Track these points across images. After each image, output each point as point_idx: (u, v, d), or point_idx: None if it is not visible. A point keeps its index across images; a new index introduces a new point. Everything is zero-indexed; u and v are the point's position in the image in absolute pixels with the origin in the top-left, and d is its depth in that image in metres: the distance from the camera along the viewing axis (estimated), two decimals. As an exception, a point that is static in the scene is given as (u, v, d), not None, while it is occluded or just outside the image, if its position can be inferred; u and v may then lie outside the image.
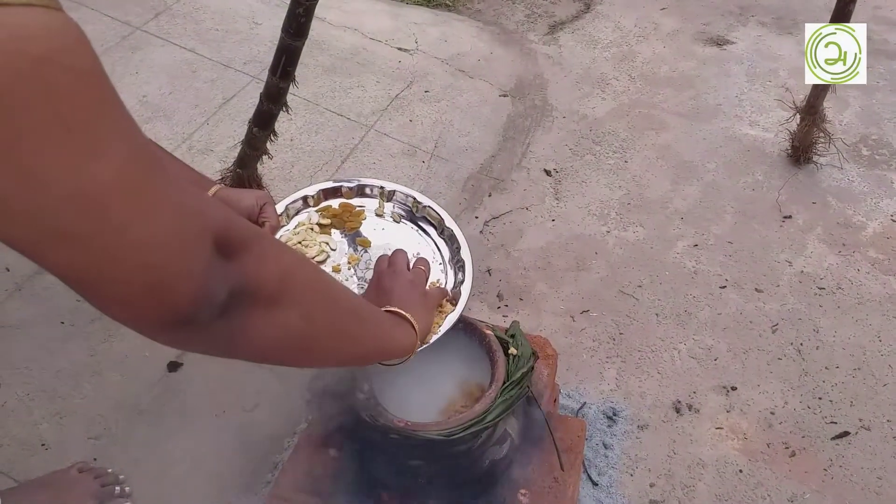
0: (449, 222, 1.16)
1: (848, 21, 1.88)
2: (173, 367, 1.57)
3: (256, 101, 1.64)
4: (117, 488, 1.35)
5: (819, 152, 2.13)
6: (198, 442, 1.46)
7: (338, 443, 1.19)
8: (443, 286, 1.07)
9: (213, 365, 1.58)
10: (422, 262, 1.04)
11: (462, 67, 2.49)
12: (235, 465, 1.43)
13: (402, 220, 1.19)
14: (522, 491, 1.15)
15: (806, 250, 1.92)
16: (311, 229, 1.13)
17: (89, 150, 0.45)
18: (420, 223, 1.18)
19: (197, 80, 2.27)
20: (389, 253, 1.10)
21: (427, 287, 1.01)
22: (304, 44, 1.46)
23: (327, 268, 1.11)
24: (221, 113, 2.18)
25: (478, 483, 1.12)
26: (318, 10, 1.48)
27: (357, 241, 1.14)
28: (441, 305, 1.03)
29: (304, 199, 1.18)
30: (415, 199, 1.19)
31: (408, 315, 0.89)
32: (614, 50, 2.64)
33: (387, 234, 1.16)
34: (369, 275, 1.10)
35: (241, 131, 1.77)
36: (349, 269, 1.11)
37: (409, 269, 1.00)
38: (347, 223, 1.16)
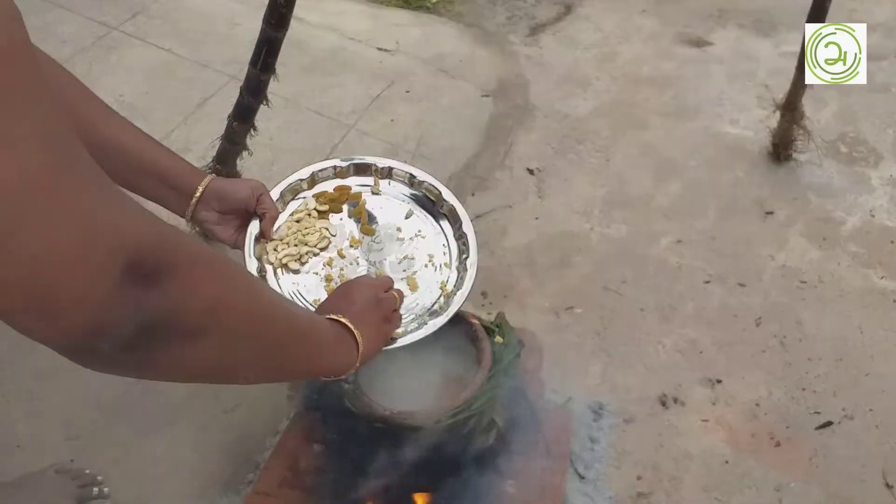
0: (447, 195, 1.15)
1: (824, 21, 1.90)
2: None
3: (235, 101, 1.63)
4: (95, 489, 1.32)
5: (798, 150, 2.15)
6: (178, 442, 1.44)
7: (322, 436, 1.18)
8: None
9: (193, 364, 1.55)
10: (398, 291, 1.02)
11: (443, 68, 2.49)
12: (216, 464, 1.41)
13: (402, 197, 1.18)
14: (510, 481, 1.14)
15: (788, 245, 1.93)
16: (310, 215, 1.12)
17: None
18: (417, 198, 1.18)
19: (174, 80, 2.25)
20: (392, 231, 1.10)
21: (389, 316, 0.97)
22: (285, 35, 1.45)
23: (330, 253, 1.09)
24: (199, 112, 2.15)
25: (464, 473, 1.10)
26: (297, 11, 1.47)
27: (360, 228, 1.13)
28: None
29: (299, 181, 1.16)
30: (411, 174, 1.18)
31: (355, 332, 0.85)
32: (595, 51, 2.65)
33: (385, 212, 1.15)
34: (373, 256, 1.10)
35: (219, 130, 1.75)
36: (354, 250, 1.10)
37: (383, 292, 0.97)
38: (347, 200, 1.15)
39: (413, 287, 1.08)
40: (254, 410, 1.49)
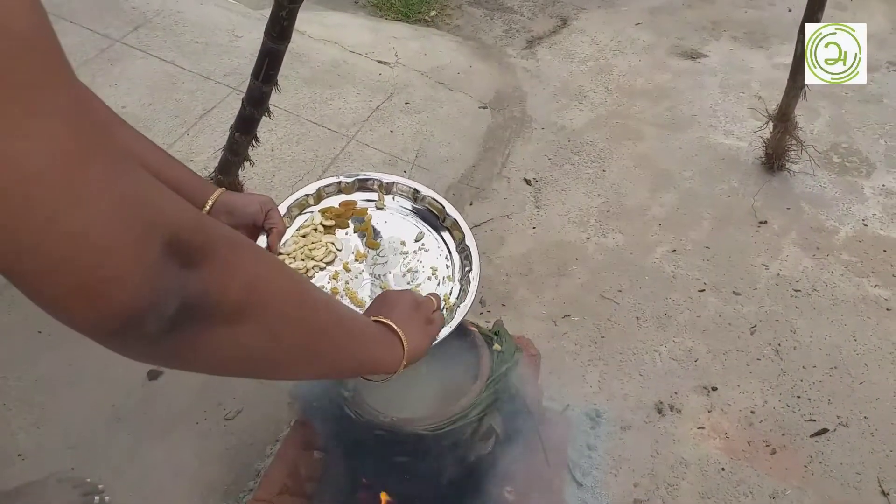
0: (450, 209, 1.17)
1: (816, 33, 1.93)
2: (153, 374, 1.56)
3: (236, 112, 1.65)
4: (96, 497, 1.33)
5: (792, 160, 2.18)
6: (179, 450, 1.45)
7: (322, 444, 1.19)
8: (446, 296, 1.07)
9: (194, 373, 1.56)
10: (434, 295, 1.03)
11: (442, 80, 2.52)
12: (217, 472, 1.42)
13: (406, 211, 1.20)
14: (508, 488, 1.15)
15: (781, 254, 1.95)
16: (316, 230, 1.14)
17: (13, 126, 0.40)
18: (421, 213, 1.19)
19: (177, 92, 2.27)
20: (397, 245, 1.11)
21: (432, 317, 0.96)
22: (286, 47, 1.48)
23: (336, 267, 1.11)
24: (201, 124, 2.18)
25: (464, 480, 1.12)
26: (298, 24, 1.50)
27: (366, 242, 1.14)
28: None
29: (306, 197, 1.19)
30: (415, 189, 1.20)
31: (399, 331, 0.85)
32: (591, 63, 2.68)
33: (390, 227, 1.17)
34: (378, 270, 1.11)
35: (221, 142, 1.77)
36: (359, 263, 1.12)
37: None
38: (353, 216, 1.17)
39: None
40: (254, 418, 1.50)
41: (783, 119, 2.07)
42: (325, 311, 0.70)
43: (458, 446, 1.08)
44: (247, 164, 1.70)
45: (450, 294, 1.10)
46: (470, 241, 1.13)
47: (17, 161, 0.40)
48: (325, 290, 1.08)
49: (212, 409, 1.51)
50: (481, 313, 1.76)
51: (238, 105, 1.64)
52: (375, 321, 0.84)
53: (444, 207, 1.18)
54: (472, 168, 2.20)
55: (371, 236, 1.15)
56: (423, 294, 1.06)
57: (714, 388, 1.62)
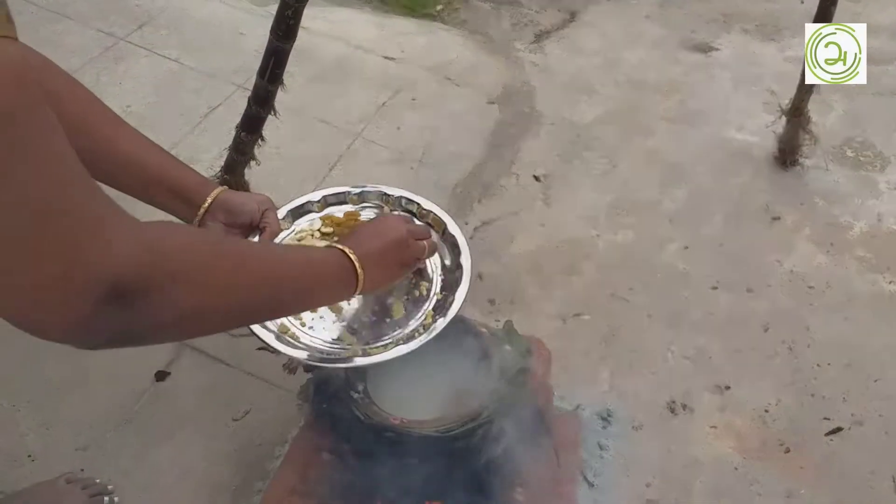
0: (452, 227, 1.17)
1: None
2: (161, 376, 1.55)
3: (242, 110, 1.64)
4: (106, 498, 1.33)
5: (805, 155, 2.15)
6: (187, 451, 1.44)
7: (331, 445, 1.18)
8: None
9: (201, 373, 1.56)
10: (430, 243, 1.04)
11: (449, 76, 2.50)
12: (226, 473, 1.41)
13: None
14: (519, 489, 1.14)
15: (795, 250, 1.93)
16: (312, 235, 1.14)
17: None
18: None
19: (182, 90, 2.26)
20: None
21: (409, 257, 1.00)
22: (292, 46, 1.46)
23: None
24: (207, 122, 2.17)
25: (474, 481, 1.11)
26: (303, 20, 1.48)
27: None
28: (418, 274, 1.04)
29: (309, 203, 1.19)
30: (419, 204, 1.20)
31: (356, 263, 0.89)
32: (600, 57, 2.66)
33: None
34: None
35: (226, 140, 1.76)
36: None
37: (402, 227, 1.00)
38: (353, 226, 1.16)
39: (397, 313, 1.09)
40: (263, 419, 1.49)
41: (796, 114, 2.04)
42: (270, 287, 0.78)
43: (469, 448, 1.07)
44: (253, 163, 1.69)
45: (432, 308, 1.09)
46: (465, 258, 1.13)
47: None
48: None
49: (220, 410, 1.50)
50: (490, 312, 1.75)
51: (244, 103, 1.63)
52: (338, 250, 0.90)
53: (446, 226, 1.18)
54: (480, 165, 2.18)
55: None
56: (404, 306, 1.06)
57: (727, 387, 1.60)
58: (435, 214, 1.19)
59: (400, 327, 1.07)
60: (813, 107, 2.05)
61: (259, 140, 1.63)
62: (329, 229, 1.16)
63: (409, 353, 1.00)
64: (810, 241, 1.96)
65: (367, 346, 1.04)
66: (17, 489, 1.29)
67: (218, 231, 1.04)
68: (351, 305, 1.10)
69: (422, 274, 1.13)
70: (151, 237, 0.60)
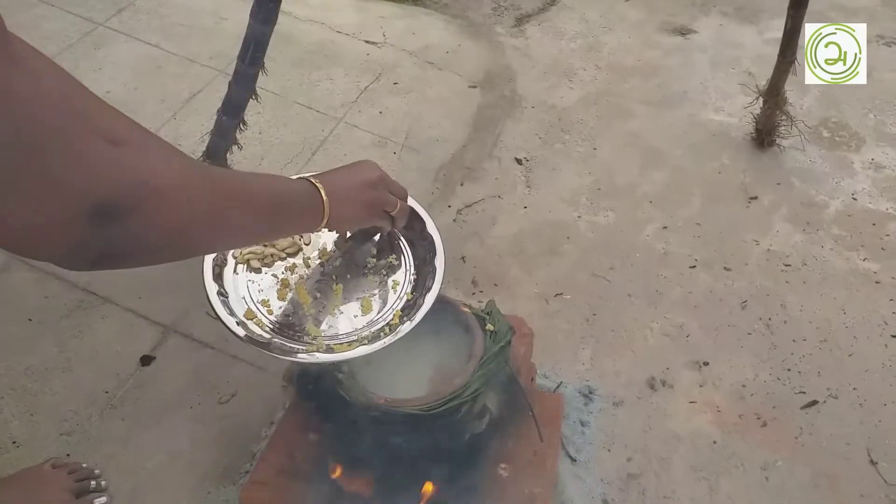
0: (430, 227, 1.13)
1: (805, 7, 1.93)
2: (146, 360, 1.55)
3: (223, 95, 1.63)
4: (93, 483, 1.33)
5: (782, 135, 2.18)
6: (173, 435, 1.45)
7: (317, 426, 1.19)
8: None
9: (186, 357, 1.56)
10: (403, 204, 1.03)
11: (430, 60, 2.50)
12: (212, 456, 1.42)
13: None
14: (503, 465, 1.16)
15: (772, 229, 1.96)
16: None
17: None
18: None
19: (163, 76, 2.25)
20: (366, 252, 1.11)
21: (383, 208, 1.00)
22: (272, 29, 1.46)
23: (296, 260, 1.11)
24: (188, 108, 2.16)
25: (458, 458, 1.12)
26: (284, 4, 1.48)
27: (335, 242, 1.13)
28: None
29: None
30: None
31: (324, 196, 0.90)
32: (581, 41, 2.67)
33: (367, 234, 1.16)
34: (338, 272, 1.11)
35: (208, 125, 1.75)
36: (320, 261, 1.11)
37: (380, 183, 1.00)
38: None
39: (367, 309, 1.07)
40: (249, 401, 1.50)
41: (773, 95, 2.07)
42: (249, 207, 0.80)
43: (453, 425, 1.09)
44: (235, 147, 1.69)
45: (400, 309, 1.07)
46: (439, 261, 1.09)
47: None
48: (276, 279, 1.09)
49: (205, 394, 1.51)
50: (474, 293, 1.77)
51: (225, 88, 1.63)
52: (309, 183, 0.91)
53: (425, 224, 1.13)
54: (463, 148, 2.19)
55: (344, 237, 1.12)
56: (373, 303, 1.06)
57: (706, 363, 1.64)
58: (413, 211, 1.17)
59: (367, 325, 1.04)
60: (790, 88, 2.07)
61: (241, 125, 1.63)
62: None
63: (370, 354, 0.99)
64: (787, 221, 1.99)
65: (331, 343, 1.01)
66: (3, 475, 1.29)
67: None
68: (319, 297, 1.07)
69: (393, 247, 1.11)
70: (137, 156, 0.62)
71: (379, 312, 1.06)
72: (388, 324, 1.04)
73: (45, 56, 0.59)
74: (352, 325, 1.05)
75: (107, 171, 0.59)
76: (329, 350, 1.00)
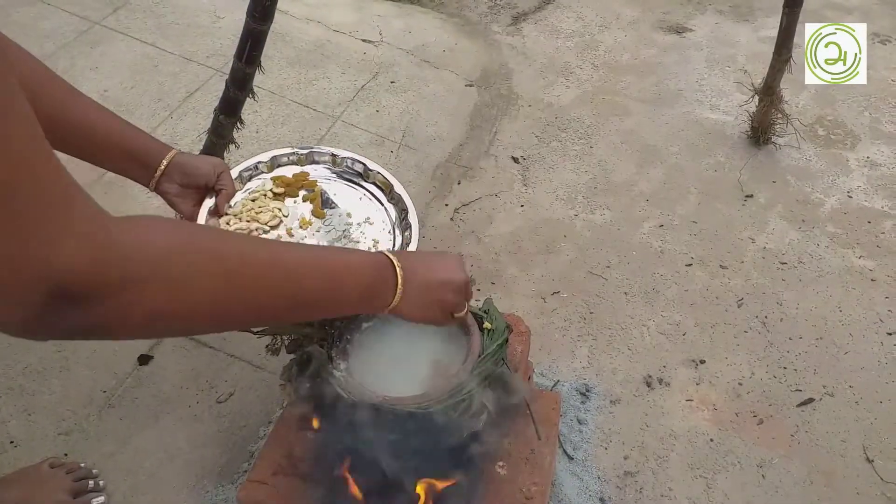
0: (398, 188, 1.21)
1: (801, 5, 1.93)
2: (144, 359, 1.55)
3: (220, 94, 1.63)
4: (91, 482, 1.34)
5: (777, 133, 2.19)
6: (171, 434, 1.45)
7: (314, 424, 1.19)
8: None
9: (184, 357, 1.57)
10: (470, 315, 1.02)
11: (427, 58, 2.50)
12: (211, 455, 1.42)
13: (354, 184, 1.24)
14: (500, 463, 1.16)
15: (768, 227, 1.97)
16: (265, 196, 1.18)
17: None
18: (370, 188, 1.24)
19: (159, 75, 2.25)
20: (343, 216, 1.15)
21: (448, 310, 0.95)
22: (269, 28, 1.46)
23: (279, 232, 1.15)
24: (185, 106, 2.15)
25: (456, 456, 1.13)
26: (281, 3, 1.48)
27: (313, 211, 1.18)
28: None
29: (257, 165, 1.22)
30: (365, 164, 1.24)
31: (393, 258, 0.83)
32: (577, 39, 2.67)
33: (339, 199, 1.21)
34: (319, 238, 1.15)
35: (205, 124, 1.75)
36: (302, 230, 1.15)
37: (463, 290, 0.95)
38: (303, 186, 1.20)
39: None
40: (247, 400, 1.50)
41: (768, 92, 2.07)
42: (256, 296, 0.69)
43: (450, 423, 1.09)
44: (232, 146, 1.69)
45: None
46: (413, 217, 1.19)
47: None
48: None
49: (203, 393, 1.51)
50: (471, 292, 1.77)
51: (222, 87, 1.62)
52: (388, 259, 0.84)
53: (392, 186, 1.23)
54: (460, 147, 2.19)
55: (319, 206, 1.18)
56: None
57: (702, 361, 1.64)
58: (382, 175, 1.23)
59: None
60: (785, 86, 2.08)
61: (238, 123, 1.63)
62: (280, 189, 1.20)
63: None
64: (782, 218, 2.00)
65: None
66: (1, 475, 1.29)
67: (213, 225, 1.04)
68: None
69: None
70: (114, 232, 0.54)
71: None
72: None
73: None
74: None
75: (75, 241, 0.50)
76: None
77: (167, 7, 2.49)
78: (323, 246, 1.06)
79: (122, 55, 2.28)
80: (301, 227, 1.16)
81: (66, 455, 1.39)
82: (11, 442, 1.41)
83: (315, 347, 1.11)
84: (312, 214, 1.18)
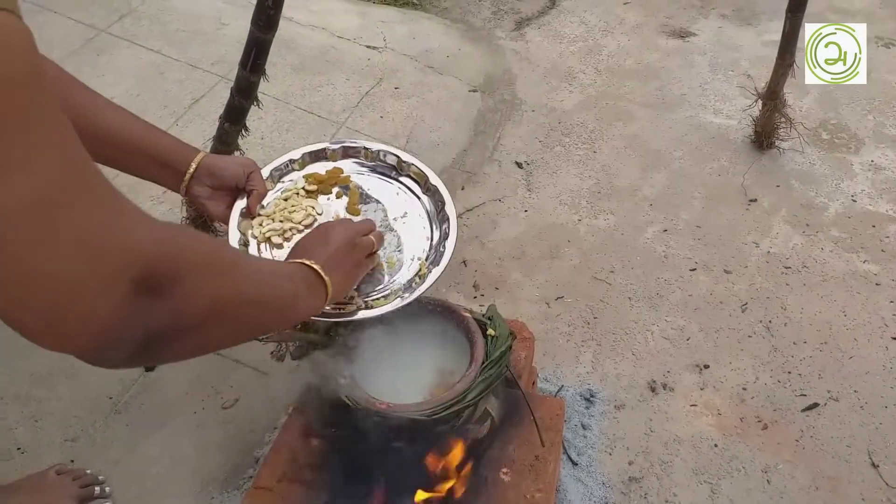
0: (433, 179, 1.18)
1: (804, 10, 1.93)
2: (149, 366, 1.56)
3: (225, 101, 1.64)
4: (97, 489, 1.34)
5: (781, 137, 2.19)
6: (177, 440, 1.46)
7: (320, 431, 1.20)
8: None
9: (190, 362, 1.57)
10: (377, 234, 1.05)
11: (431, 64, 2.51)
12: (216, 461, 1.43)
13: (388, 178, 1.21)
14: (504, 469, 1.17)
15: (772, 232, 1.97)
16: (298, 194, 1.15)
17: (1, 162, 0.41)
18: (404, 181, 1.21)
19: (165, 82, 2.26)
20: (379, 212, 1.13)
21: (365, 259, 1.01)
22: (273, 36, 1.47)
23: None
24: (191, 113, 2.17)
25: (460, 463, 1.13)
26: (285, 10, 1.49)
27: (347, 208, 1.15)
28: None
29: (290, 162, 1.19)
30: (398, 157, 1.21)
31: (325, 278, 0.89)
32: (580, 44, 2.68)
33: (373, 193, 1.18)
34: None
35: (210, 131, 1.76)
36: None
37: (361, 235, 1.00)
38: (336, 183, 1.17)
39: (392, 265, 1.11)
40: (252, 407, 1.51)
41: (772, 97, 2.07)
42: (270, 297, 0.77)
43: (454, 431, 1.10)
44: (237, 153, 1.70)
45: (426, 260, 1.11)
46: (450, 208, 1.16)
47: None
48: None
49: (209, 399, 1.52)
50: (475, 297, 1.77)
51: (227, 94, 1.63)
52: (306, 266, 0.88)
53: (427, 176, 1.19)
54: (464, 152, 2.20)
55: (354, 203, 1.16)
56: (395, 259, 1.07)
57: (706, 366, 1.64)
58: (416, 167, 1.21)
59: (395, 278, 1.08)
60: (789, 90, 2.08)
61: (243, 130, 1.64)
62: (313, 186, 1.17)
63: (406, 306, 1.04)
64: (786, 223, 1.99)
65: (367, 298, 1.05)
66: (8, 482, 1.30)
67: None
68: None
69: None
70: (164, 227, 0.57)
71: (404, 265, 1.10)
72: (416, 274, 1.08)
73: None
74: (381, 281, 1.08)
75: (150, 235, 0.52)
76: (369, 307, 1.04)
77: (172, 14, 2.51)
78: (253, 256, 1.05)
79: (127, 62, 2.29)
80: None
81: (72, 461, 1.40)
82: (18, 448, 1.42)
83: (320, 355, 1.11)
84: (347, 211, 1.16)
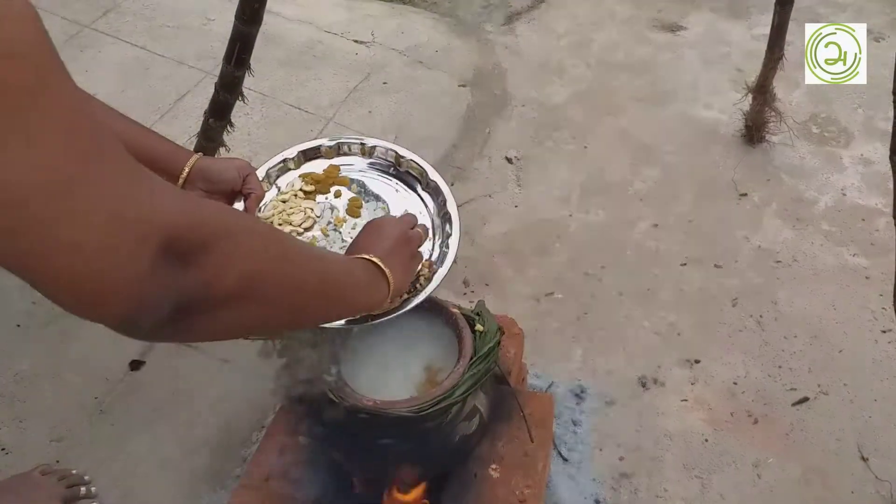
0: (433, 175, 1.15)
1: (792, 3, 1.93)
2: (136, 365, 1.55)
3: (211, 97, 1.62)
4: (83, 489, 1.32)
5: (771, 131, 2.18)
6: (164, 439, 1.44)
7: (307, 429, 1.18)
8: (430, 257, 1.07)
9: (176, 362, 1.56)
10: (422, 227, 1.03)
11: (420, 59, 2.49)
12: (203, 461, 1.42)
13: (386, 174, 1.18)
14: (493, 466, 1.16)
15: (762, 226, 1.97)
16: (295, 196, 1.13)
17: (15, 139, 0.42)
18: (403, 177, 1.18)
19: (150, 78, 2.24)
20: (378, 212, 1.09)
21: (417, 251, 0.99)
22: (258, 30, 1.45)
23: (314, 233, 1.10)
24: (176, 109, 2.14)
25: (449, 459, 1.12)
26: (271, 4, 1.47)
27: (347, 209, 1.13)
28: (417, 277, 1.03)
29: (284, 161, 1.17)
30: (397, 153, 1.18)
31: (386, 270, 0.87)
32: (570, 38, 2.67)
33: (373, 191, 1.16)
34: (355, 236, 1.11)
35: (196, 127, 1.75)
36: (337, 230, 1.11)
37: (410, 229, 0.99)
38: (334, 182, 1.15)
39: None
40: (239, 406, 1.49)
41: (762, 91, 2.07)
42: (316, 277, 0.73)
43: (443, 426, 1.08)
44: (223, 149, 1.68)
45: (431, 260, 1.09)
46: (451, 206, 1.12)
47: (17, 171, 0.42)
48: None
49: (196, 398, 1.50)
50: (465, 294, 1.76)
51: (212, 89, 1.62)
52: (364, 260, 0.86)
53: (426, 172, 1.16)
54: (453, 147, 2.18)
55: (356, 202, 1.13)
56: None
57: (697, 361, 1.64)
58: (415, 163, 1.18)
59: None
60: (779, 84, 2.08)
61: (228, 126, 1.62)
62: (311, 187, 1.14)
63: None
64: (777, 217, 1.99)
65: None
66: (-8, 482, 1.28)
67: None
68: None
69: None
70: (190, 196, 0.55)
71: None
72: (421, 274, 1.04)
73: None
74: None
75: (176, 201, 0.51)
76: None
77: (157, 10, 2.48)
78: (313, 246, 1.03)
79: (112, 58, 2.27)
80: (336, 227, 1.11)
81: (57, 462, 1.38)
82: (3, 449, 1.41)
83: (307, 352, 1.10)
84: (347, 213, 1.14)
